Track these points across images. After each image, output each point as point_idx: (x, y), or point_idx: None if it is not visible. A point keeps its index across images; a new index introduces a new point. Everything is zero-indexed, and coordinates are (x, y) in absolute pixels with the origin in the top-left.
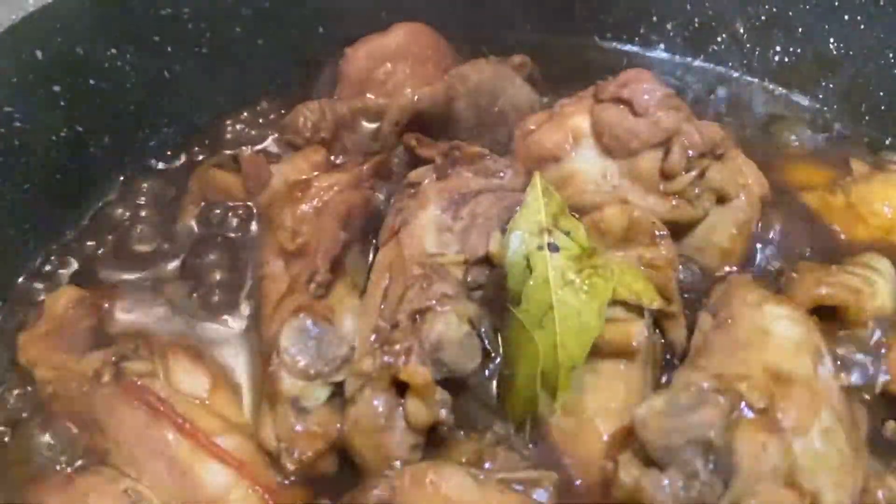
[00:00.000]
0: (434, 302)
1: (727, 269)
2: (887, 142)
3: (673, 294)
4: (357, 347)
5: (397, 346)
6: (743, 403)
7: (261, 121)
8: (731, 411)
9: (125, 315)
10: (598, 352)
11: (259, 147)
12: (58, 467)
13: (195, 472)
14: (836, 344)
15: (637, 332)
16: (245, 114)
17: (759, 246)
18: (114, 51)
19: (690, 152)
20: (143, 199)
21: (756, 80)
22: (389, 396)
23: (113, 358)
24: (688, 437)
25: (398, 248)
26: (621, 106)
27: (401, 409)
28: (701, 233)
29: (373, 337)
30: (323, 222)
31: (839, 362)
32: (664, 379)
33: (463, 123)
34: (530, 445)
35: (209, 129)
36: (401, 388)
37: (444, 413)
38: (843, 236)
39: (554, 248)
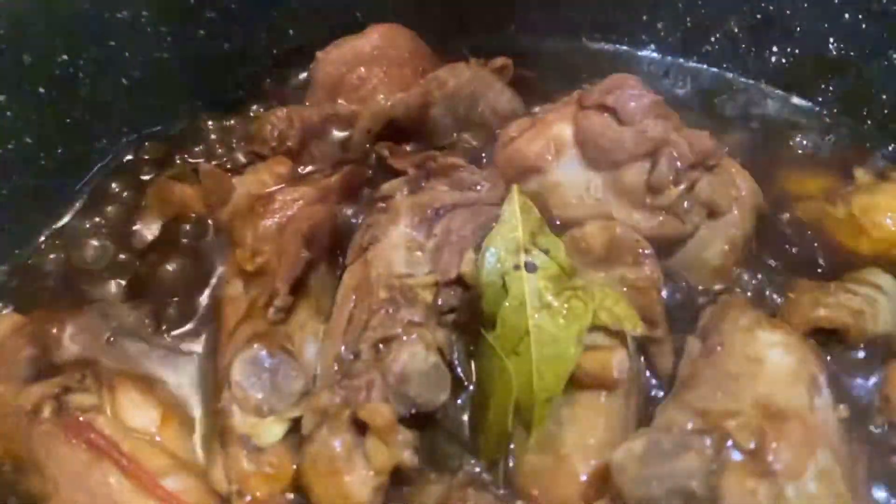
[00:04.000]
0: (400, 330)
1: (719, 288)
2: (891, 148)
3: (658, 318)
4: (319, 378)
5: (357, 381)
6: (730, 443)
7: (226, 130)
8: (715, 456)
9: (72, 342)
10: (577, 382)
11: (223, 158)
12: None
13: None
14: (836, 370)
15: (617, 362)
16: (209, 122)
17: (753, 263)
18: (65, 57)
19: (679, 164)
20: (97, 215)
21: (752, 82)
22: (349, 435)
23: (55, 390)
24: (668, 486)
25: (365, 269)
26: (606, 114)
27: (362, 449)
28: (691, 249)
29: (335, 367)
30: (285, 240)
31: (838, 391)
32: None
33: (440, 131)
34: (503, 485)
35: (171, 139)
36: (362, 425)
37: (407, 454)
38: (843, 250)
39: (531, 267)
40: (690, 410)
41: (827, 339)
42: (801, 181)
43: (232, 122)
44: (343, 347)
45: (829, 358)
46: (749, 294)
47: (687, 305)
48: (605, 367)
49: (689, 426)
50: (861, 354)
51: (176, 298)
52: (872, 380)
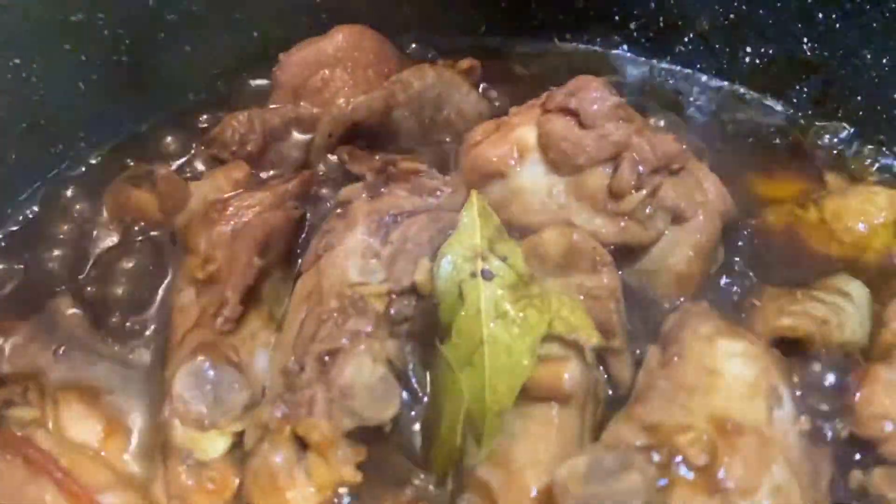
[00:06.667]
0: (346, 341)
1: (683, 296)
2: (866, 150)
3: (615, 327)
4: (268, 390)
5: (299, 395)
6: (680, 460)
7: (186, 134)
8: (661, 475)
9: (18, 353)
10: (529, 394)
11: (183, 162)
12: None
13: None
14: (800, 381)
15: (568, 374)
16: (170, 126)
17: (719, 269)
18: (17, 61)
19: (641, 168)
20: (51, 221)
21: (726, 83)
22: (290, 451)
23: None
24: None
25: (318, 276)
26: (568, 117)
27: (304, 464)
28: (655, 256)
29: (281, 380)
30: (237, 247)
31: (801, 403)
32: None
33: (405, 134)
34: (453, 501)
35: (130, 144)
36: (304, 440)
37: (348, 470)
38: (815, 256)
39: (488, 275)
40: (639, 425)
41: (793, 348)
42: (772, 184)
43: (192, 125)
44: (291, 359)
45: (794, 368)
46: (714, 302)
47: (650, 313)
48: (557, 379)
49: (637, 442)
50: (827, 364)
51: (129, 308)
52: (838, 390)
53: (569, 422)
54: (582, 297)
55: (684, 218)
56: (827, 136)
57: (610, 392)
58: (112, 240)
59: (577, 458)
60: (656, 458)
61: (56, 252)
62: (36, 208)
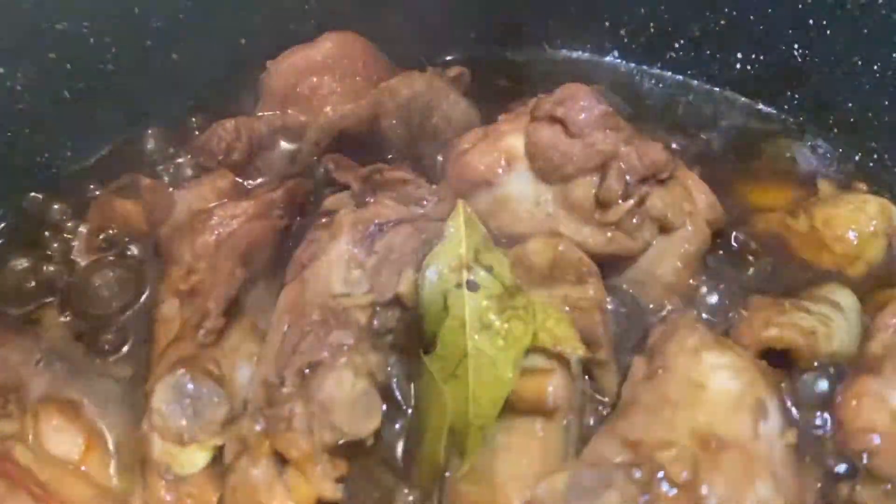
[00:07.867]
0: (327, 354)
1: (671, 306)
2: (857, 157)
3: (601, 339)
4: (249, 404)
5: (279, 409)
6: (661, 476)
7: (172, 142)
8: (643, 491)
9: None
10: (513, 408)
11: (169, 171)
12: None
13: None
14: (787, 393)
15: (552, 387)
16: (156, 135)
17: (709, 279)
18: (2, 70)
19: (629, 177)
20: (36, 231)
21: (717, 89)
22: (270, 465)
23: None
24: None
25: (301, 287)
26: (556, 126)
27: (285, 479)
28: (643, 266)
29: (263, 393)
30: (220, 258)
31: (787, 416)
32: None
33: (393, 142)
34: None
35: (116, 153)
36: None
37: (328, 487)
38: (805, 265)
39: (473, 286)
40: (621, 441)
41: (780, 359)
42: (764, 192)
43: (179, 134)
44: (272, 372)
45: (781, 380)
46: (703, 313)
47: (638, 324)
48: (541, 392)
49: (618, 459)
50: (814, 376)
51: (112, 320)
52: (825, 403)
53: (553, 435)
54: (567, 309)
55: (672, 227)
56: (818, 144)
57: (596, 404)
58: (96, 251)
59: (556, 475)
60: (637, 475)
61: (40, 263)
62: (20, 218)
